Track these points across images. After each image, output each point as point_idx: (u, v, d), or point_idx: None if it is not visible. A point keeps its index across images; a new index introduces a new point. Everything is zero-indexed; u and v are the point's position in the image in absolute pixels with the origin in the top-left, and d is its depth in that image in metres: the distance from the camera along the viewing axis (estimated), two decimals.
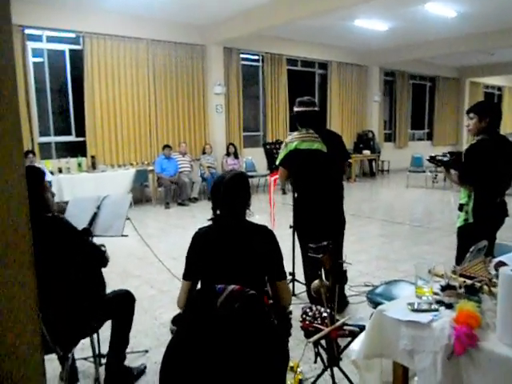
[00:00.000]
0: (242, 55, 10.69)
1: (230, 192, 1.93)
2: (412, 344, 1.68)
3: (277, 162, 3.38)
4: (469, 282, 1.85)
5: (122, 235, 2.67)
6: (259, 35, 9.93)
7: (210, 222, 1.98)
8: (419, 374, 1.67)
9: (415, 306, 1.76)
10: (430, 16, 9.24)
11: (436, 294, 1.85)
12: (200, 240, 1.94)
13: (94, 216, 2.71)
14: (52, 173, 7.55)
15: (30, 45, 7.87)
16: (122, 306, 2.50)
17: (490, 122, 2.96)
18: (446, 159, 3.07)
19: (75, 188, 7.38)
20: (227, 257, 1.86)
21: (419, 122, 16.24)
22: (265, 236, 1.92)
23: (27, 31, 7.71)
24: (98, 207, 2.76)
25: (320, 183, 3.37)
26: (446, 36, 11.15)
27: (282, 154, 3.37)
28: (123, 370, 2.58)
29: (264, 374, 1.55)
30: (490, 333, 1.55)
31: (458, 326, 1.55)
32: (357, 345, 1.99)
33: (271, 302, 1.97)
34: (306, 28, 10.06)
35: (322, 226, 3.36)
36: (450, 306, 1.74)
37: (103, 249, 2.45)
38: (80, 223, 2.36)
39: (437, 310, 1.73)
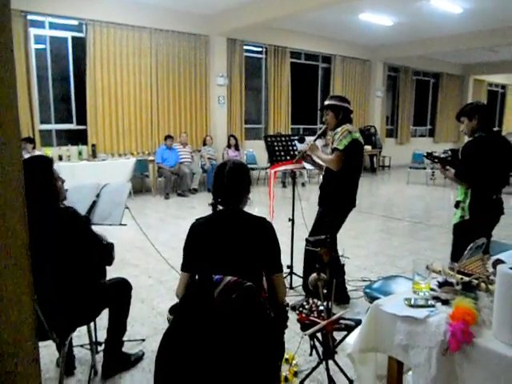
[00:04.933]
0: (245, 47, 10.63)
1: (230, 179, 1.92)
2: (407, 339, 1.68)
3: (340, 147, 3.33)
4: (466, 278, 1.85)
5: (121, 224, 2.65)
6: (263, 27, 9.88)
7: (209, 210, 1.97)
8: (414, 368, 1.68)
9: (412, 302, 1.76)
10: (435, 12, 9.19)
11: (433, 290, 1.85)
12: (197, 231, 1.93)
13: (93, 204, 2.70)
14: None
15: (33, 31, 7.82)
16: (119, 294, 2.51)
17: (481, 120, 2.96)
18: (443, 156, 3.07)
19: (75, 176, 7.36)
20: (224, 248, 1.85)
21: (422, 118, 16.20)
22: (263, 228, 1.90)
23: (30, 17, 7.66)
24: (98, 195, 2.75)
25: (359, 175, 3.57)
26: (452, 32, 11.10)
27: (345, 139, 3.33)
28: (121, 356, 2.62)
29: (258, 365, 1.55)
30: (486, 330, 1.55)
31: (454, 322, 1.55)
32: (352, 339, 2.00)
33: (266, 295, 1.96)
34: (311, 21, 10.00)
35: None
36: (446, 303, 1.74)
37: (110, 247, 2.42)
38: (79, 211, 2.34)
39: (433, 306, 1.73)
